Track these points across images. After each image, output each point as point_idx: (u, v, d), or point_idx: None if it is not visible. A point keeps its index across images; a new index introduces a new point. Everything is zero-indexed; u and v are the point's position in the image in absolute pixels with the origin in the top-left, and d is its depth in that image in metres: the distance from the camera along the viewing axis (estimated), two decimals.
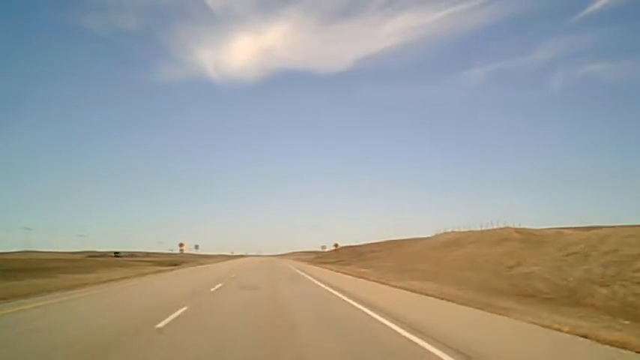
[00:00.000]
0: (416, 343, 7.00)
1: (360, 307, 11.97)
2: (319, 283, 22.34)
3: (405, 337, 7.59)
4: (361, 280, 26.19)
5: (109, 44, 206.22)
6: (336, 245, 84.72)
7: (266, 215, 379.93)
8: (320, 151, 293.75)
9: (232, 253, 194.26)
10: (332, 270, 43.33)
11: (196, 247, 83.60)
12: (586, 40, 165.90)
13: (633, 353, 6.45)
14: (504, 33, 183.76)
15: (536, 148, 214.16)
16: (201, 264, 68.88)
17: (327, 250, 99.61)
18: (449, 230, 57.78)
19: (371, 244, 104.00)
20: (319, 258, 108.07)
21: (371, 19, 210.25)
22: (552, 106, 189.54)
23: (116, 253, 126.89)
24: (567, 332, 8.05)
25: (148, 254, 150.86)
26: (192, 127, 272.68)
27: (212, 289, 18.15)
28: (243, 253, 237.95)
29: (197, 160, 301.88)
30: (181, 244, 70.56)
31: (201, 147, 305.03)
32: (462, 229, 52.98)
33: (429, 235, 64.78)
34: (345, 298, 14.64)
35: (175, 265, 61.57)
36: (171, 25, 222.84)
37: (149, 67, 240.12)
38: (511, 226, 40.15)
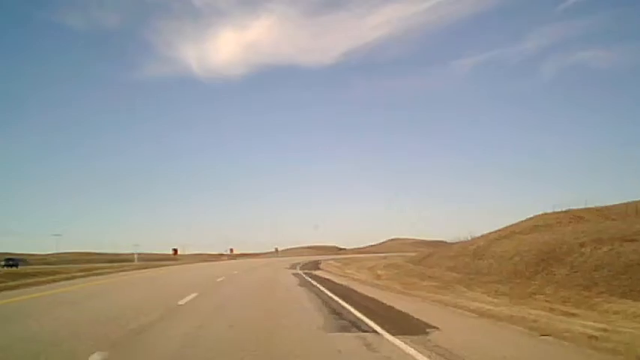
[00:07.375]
0: None
1: None
2: None
3: None
4: None
5: (89, 41, 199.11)
6: None
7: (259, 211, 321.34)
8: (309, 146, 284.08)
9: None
10: None
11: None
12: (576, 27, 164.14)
13: None
14: (496, 21, 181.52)
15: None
16: None
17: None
18: None
19: None
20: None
21: (358, 10, 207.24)
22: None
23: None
24: None
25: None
26: (176, 125, 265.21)
27: None
28: (224, 252, 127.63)
29: (182, 159, 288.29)
30: None
31: (186, 145, 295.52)
32: None
33: None
34: None
35: None
36: (152, 21, 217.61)
37: (130, 64, 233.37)
38: None
